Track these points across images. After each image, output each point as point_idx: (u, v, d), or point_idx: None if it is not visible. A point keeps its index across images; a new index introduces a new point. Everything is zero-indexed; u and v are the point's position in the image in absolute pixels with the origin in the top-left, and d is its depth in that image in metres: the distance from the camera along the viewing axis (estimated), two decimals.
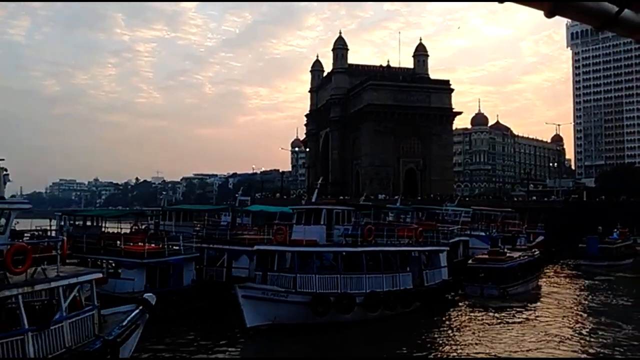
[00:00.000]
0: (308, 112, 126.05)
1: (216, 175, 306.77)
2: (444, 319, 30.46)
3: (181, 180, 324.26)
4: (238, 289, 25.00)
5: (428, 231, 36.17)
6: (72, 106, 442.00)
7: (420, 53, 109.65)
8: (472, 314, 31.84)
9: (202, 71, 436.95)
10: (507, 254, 39.17)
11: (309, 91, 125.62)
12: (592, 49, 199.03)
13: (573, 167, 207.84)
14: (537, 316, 31.12)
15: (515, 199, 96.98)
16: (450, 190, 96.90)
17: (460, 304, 34.15)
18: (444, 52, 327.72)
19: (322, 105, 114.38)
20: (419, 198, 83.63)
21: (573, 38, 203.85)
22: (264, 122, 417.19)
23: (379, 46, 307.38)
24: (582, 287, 43.62)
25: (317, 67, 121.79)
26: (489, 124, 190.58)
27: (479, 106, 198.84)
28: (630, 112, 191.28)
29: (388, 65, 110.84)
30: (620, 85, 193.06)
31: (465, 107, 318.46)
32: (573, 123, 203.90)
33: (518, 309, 32.60)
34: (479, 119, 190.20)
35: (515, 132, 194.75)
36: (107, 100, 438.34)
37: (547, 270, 55.88)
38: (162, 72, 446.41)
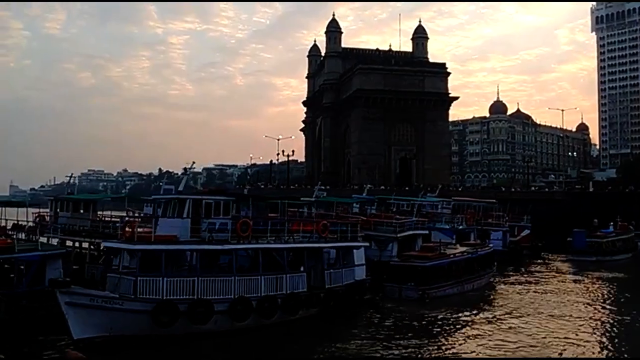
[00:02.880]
0: (305, 99, 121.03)
1: (236, 166, 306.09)
2: (332, 328, 25.72)
3: (202, 170, 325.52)
4: (59, 295, 20.83)
5: (341, 225, 31.30)
6: (106, 98, 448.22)
7: (419, 35, 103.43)
8: (372, 321, 27.20)
9: (233, 63, 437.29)
10: (443, 251, 34.29)
11: (306, 77, 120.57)
12: (617, 34, 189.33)
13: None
14: (444, 329, 26.17)
15: (513, 190, 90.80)
16: (445, 180, 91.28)
17: (372, 308, 29.34)
18: (477, 41, 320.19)
19: (317, 92, 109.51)
20: (407, 188, 78.32)
21: (598, 22, 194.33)
22: (293, 114, 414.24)
23: (410, 35, 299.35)
24: (543, 289, 38.03)
25: (314, 52, 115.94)
26: (510, 113, 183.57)
27: (498, 94, 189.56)
28: None
29: (390, 49, 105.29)
30: None
31: (501, 97, 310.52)
32: (598, 111, 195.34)
33: (428, 317, 27.67)
34: (498, 107, 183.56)
35: (541, 122, 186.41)
36: (140, 92, 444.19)
37: (528, 267, 50.74)
38: (194, 64, 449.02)
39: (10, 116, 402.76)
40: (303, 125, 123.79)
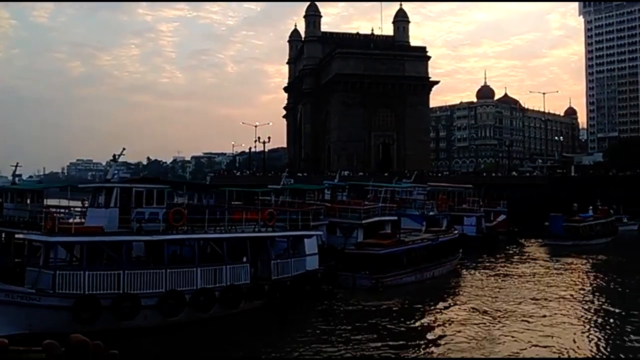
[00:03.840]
0: (286, 85, 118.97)
1: (225, 154, 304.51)
2: (275, 320, 24.47)
3: (191, 159, 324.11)
4: None
5: (291, 213, 29.89)
6: (96, 87, 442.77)
7: (400, 19, 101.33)
8: (318, 313, 25.98)
9: (223, 50, 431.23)
10: (401, 238, 33.01)
11: (287, 63, 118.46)
12: (605, 17, 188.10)
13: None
14: (391, 319, 24.84)
15: (493, 175, 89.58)
16: (427, 165, 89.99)
17: (323, 298, 28.02)
18: (469, 26, 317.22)
19: (297, 77, 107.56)
20: (386, 174, 76.96)
21: (585, 6, 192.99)
22: (284, 101, 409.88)
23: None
24: (509, 276, 36.85)
25: (294, 37, 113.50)
26: (498, 97, 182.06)
27: (485, 78, 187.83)
28: None
29: (372, 34, 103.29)
30: (635, 55, 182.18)
31: (490, 81, 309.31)
32: (585, 94, 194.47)
33: (377, 307, 26.42)
34: (485, 92, 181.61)
35: (532, 107, 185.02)
36: (130, 80, 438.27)
37: (502, 253, 49.63)
38: (185, 51, 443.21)
39: None
40: (285, 112, 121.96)
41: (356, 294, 28.83)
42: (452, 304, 27.79)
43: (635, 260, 48.52)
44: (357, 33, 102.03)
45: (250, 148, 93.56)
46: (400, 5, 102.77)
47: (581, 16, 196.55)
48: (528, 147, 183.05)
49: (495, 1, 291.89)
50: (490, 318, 24.92)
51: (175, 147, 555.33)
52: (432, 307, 27.02)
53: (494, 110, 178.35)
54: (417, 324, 24.40)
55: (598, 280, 36.86)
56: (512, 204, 63.86)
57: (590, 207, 63.53)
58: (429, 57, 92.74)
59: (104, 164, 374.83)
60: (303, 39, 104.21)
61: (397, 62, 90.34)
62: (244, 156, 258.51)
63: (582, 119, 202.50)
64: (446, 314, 25.84)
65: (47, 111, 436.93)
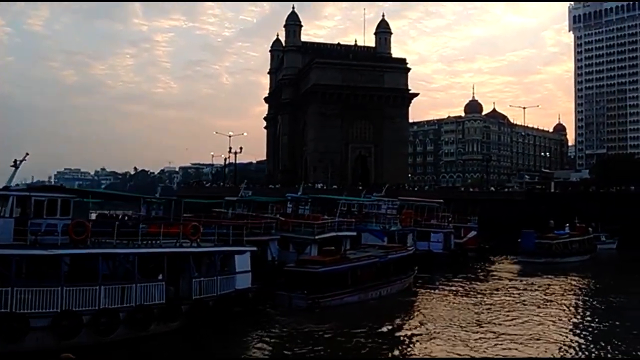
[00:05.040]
0: (267, 95, 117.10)
1: (212, 165, 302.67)
2: (191, 345, 22.34)
3: (178, 169, 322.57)
4: None
5: (220, 227, 27.76)
6: (90, 96, 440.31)
7: (382, 30, 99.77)
8: (240, 336, 23.85)
9: (219, 61, 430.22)
10: (347, 255, 30.99)
11: (268, 73, 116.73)
12: (594, 33, 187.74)
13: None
14: (319, 343, 22.77)
15: (472, 189, 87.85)
16: (404, 179, 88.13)
17: (253, 320, 25.84)
18: (464, 41, 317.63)
19: (276, 88, 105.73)
20: (360, 187, 74.99)
21: (575, 21, 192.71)
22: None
23: (397, 35, 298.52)
24: (466, 296, 34.81)
25: (276, 46, 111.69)
26: (486, 112, 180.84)
27: (473, 93, 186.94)
28: (633, 100, 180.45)
29: (355, 44, 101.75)
30: (624, 72, 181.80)
31: (484, 97, 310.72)
32: (574, 111, 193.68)
33: (315, 329, 24.40)
34: (473, 106, 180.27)
35: (528, 124, 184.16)
36: (125, 90, 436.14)
37: (469, 271, 47.65)
38: (180, 62, 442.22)
39: None
40: (266, 123, 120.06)
41: (291, 316, 26.71)
42: (393, 328, 25.67)
43: (610, 280, 46.77)
44: (339, 43, 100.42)
45: (225, 159, 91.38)
46: (383, 16, 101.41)
47: (571, 32, 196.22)
48: (516, 163, 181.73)
49: (468, 1, 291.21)
50: (431, 343, 23.00)
51: (167, 157, 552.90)
52: (370, 331, 24.84)
53: (481, 125, 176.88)
54: (348, 347, 22.37)
55: (563, 301, 34.79)
56: (489, 220, 62.33)
57: (567, 225, 62.05)
58: (409, 69, 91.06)
59: (92, 173, 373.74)
60: (283, 49, 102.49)
61: (376, 74, 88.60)
62: (231, 167, 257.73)
63: (571, 136, 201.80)
64: (382, 340, 23.75)
65: (40, 119, 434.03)
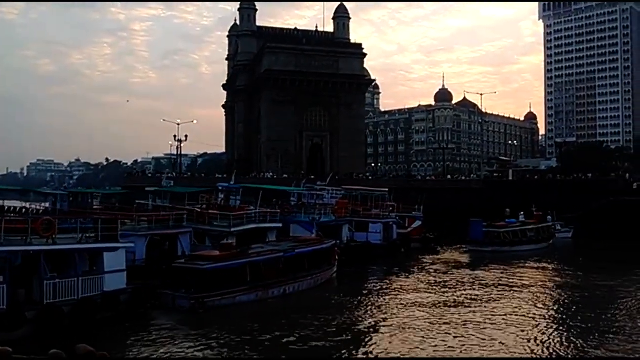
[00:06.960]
0: (224, 82, 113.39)
1: (186, 155, 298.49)
2: None
3: (151, 160, 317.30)
4: None
5: (85, 221, 24.70)
6: (66, 86, 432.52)
7: (341, 15, 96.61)
8: (110, 344, 20.81)
9: (198, 51, 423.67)
10: (247, 249, 28.23)
11: (226, 59, 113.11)
12: (564, 21, 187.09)
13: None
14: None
15: (427, 178, 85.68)
16: (360, 168, 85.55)
17: (125, 324, 22.92)
18: (443, 32, 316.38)
19: (232, 74, 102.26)
20: (312, 177, 72.27)
21: (545, 10, 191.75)
22: None
23: (377, 25, 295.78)
24: (390, 292, 32.24)
25: (234, 31, 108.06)
26: (457, 101, 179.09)
27: (443, 81, 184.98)
28: (602, 88, 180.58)
29: (316, 30, 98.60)
30: (593, 60, 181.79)
31: (464, 88, 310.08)
32: (544, 99, 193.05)
33: (193, 333, 21.64)
34: (443, 95, 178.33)
35: (506, 114, 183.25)
36: (102, 80, 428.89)
37: (408, 262, 45.15)
38: (158, 51, 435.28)
39: None
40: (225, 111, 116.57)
41: (173, 317, 23.86)
42: (290, 330, 22.91)
43: (558, 270, 44.67)
44: (295, 28, 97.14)
45: (177, 148, 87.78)
46: (341, 2, 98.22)
47: (541, 20, 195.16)
48: (487, 152, 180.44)
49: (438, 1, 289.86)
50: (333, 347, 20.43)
51: (145, 148, 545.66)
52: (260, 336, 22.10)
53: (452, 114, 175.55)
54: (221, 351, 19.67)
55: (495, 292, 32.27)
56: (445, 209, 60.40)
57: (522, 213, 60.38)
58: (365, 55, 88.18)
59: (66, 164, 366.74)
60: (237, 34, 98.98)
61: (330, 59, 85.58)
62: (205, 157, 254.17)
63: (542, 124, 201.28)
64: (256, 344, 21.03)
65: (13, 110, 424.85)
